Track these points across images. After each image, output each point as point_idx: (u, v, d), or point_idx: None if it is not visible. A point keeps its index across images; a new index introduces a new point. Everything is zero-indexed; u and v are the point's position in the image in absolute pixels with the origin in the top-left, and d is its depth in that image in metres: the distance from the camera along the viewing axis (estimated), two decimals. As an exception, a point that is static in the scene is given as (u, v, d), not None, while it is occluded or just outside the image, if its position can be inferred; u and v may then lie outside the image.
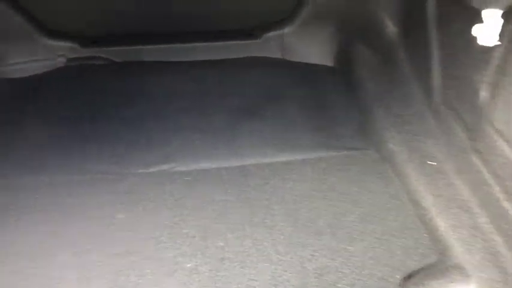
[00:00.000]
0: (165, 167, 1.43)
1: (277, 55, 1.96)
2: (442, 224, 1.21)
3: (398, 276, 1.12)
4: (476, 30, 1.19)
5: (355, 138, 1.59)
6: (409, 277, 1.12)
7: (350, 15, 1.91)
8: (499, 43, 1.16)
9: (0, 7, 1.69)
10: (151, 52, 1.89)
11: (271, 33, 1.96)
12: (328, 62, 1.95)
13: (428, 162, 1.38)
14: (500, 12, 1.14)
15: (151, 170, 1.42)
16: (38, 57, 1.83)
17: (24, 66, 1.81)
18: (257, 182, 1.38)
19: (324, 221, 1.28)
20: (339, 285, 1.11)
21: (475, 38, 1.19)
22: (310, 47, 1.96)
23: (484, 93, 1.22)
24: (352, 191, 1.37)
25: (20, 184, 1.38)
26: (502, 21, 1.14)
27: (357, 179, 1.42)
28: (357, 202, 1.34)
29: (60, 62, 1.86)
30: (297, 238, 1.22)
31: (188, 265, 1.15)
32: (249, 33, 1.96)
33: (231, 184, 1.37)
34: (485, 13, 1.16)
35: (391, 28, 1.79)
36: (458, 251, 1.14)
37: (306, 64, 1.94)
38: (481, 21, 1.17)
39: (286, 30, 1.96)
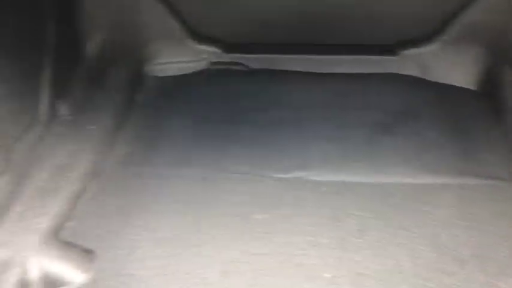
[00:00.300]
0: (302, 174, 1.44)
1: (415, 73, 1.90)
2: None
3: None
4: None
5: (500, 168, 1.48)
6: None
7: (500, 37, 1.80)
8: None
9: (158, 10, 1.84)
10: (290, 61, 1.93)
11: (410, 51, 1.91)
12: (471, 84, 1.85)
13: None
14: None
15: (288, 175, 1.44)
16: (185, 58, 1.95)
17: (171, 66, 1.94)
18: (396, 201, 1.35)
19: (469, 251, 1.20)
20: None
21: None
22: (452, 67, 1.87)
23: None
24: (500, 224, 1.28)
25: (166, 175, 1.48)
26: None
27: (505, 212, 1.32)
28: (506, 236, 1.24)
29: (203, 64, 1.97)
30: (439, 265, 1.16)
31: (327, 275, 1.14)
32: (387, 49, 1.93)
33: (369, 200, 1.35)
34: None
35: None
36: None
37: (447, 85, 1.86)
38: None
39: (427, 48, 1.89)
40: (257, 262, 1.19)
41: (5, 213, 1.24)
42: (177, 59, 1.95)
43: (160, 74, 1.93)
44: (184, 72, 1.94)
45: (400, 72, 1.90)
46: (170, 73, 1.94)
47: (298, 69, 1.91)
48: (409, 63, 1.90)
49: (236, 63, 1.97)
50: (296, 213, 1.32)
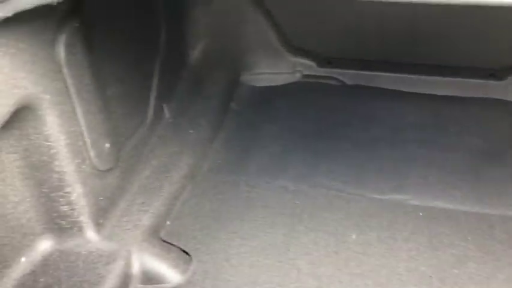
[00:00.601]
0: (399, 197, 1.41)
1: (521, 100, 1.81)
2: None
3: None
4: None
5: None
6: None
7: None
8: None
9: (260, 22, 1.87)
10: (384, 79, 1.89)
11: (518, 76, 1.82)
12: None
13: None
14: None
15: (385, 197, 1.41)
16: (279, 70, 1.98)
17: (266, 76, 1.97)
18: (503, 235, 1.27)
19: None
20: None
21: None
22: None
23: None
24: None
25: (258, 184, 1.49)
26: None
27: None
28: None
29: (296, 77, 1.98)
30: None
31: (426, 305, 1.11)
32: (491, 73, 1.84)
33: (472, 231, 1.28)
34: None
35: None
36: None
37: (555, 115, 1.75)
38: None
39: (538, 75, 1.79)
40: (352, 282, 1.17)
41: (112, 207, 1.31)
42: (272, 69, 1.97)
43: (255, 84, 1.96)
44: (278, 83, 1.96)
45: (503, 98, 1.81)
46: (264, 83, 1.96)
47: (393, 88, 1.87)
48: (515, 89, 1.81)
49: (329, 78, 1.96)
50: (392, 237, 1.28)
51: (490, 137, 1.61)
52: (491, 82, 1.83)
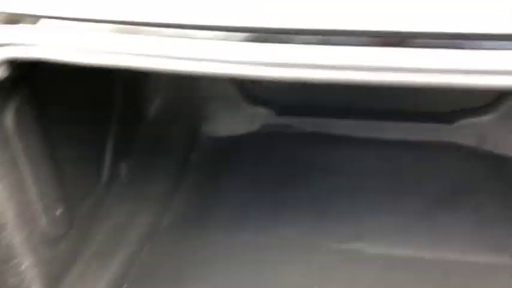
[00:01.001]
0: (356, 246, 1.42)
1: (471, 143, 1.87)
2: None
3: None
4: None
5: None
6: None
7: None
8: None
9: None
10: (342, 125, 1.93)
11: (466, 120, 1.89)
12: (530, 156, 1.80)
13: None
14: None
15: (343, 247, 1.42)
16: (238, 120, 1.99)
17: (226, 127, 1.97)
18: (457, 281, 1.30)
19: None
20: None
21: None
22: (510, 138, 1.83)
23: None
24: None
25: (219, 240, 1.48)
26: None
27: None
28: None
29: (256, 126, 2.00)
30: None
31: None
32: (442, 117, 1.92)
33: (428, 278, 1.30)
34: None
35: None
36: None
37: (503, 156, 1.81)
38: None
39: (485, 118, 1.87)
40: None
41: (65, 274, 1.26)
42: (231, 120, 1.98)
43: (215, 135, 1.97)
44: (238, 133, 1.97)
45: (455, 141, 1.87)
46: (225, 133, 1.97)
47: (351, 134, 1.90)
48: (464, 132, 1.87)
49: (287, 126, 1.99)
50: (353, 289, 1.29)
51: (444, 182, 1.66)
52: (444, 126, 1.90)
